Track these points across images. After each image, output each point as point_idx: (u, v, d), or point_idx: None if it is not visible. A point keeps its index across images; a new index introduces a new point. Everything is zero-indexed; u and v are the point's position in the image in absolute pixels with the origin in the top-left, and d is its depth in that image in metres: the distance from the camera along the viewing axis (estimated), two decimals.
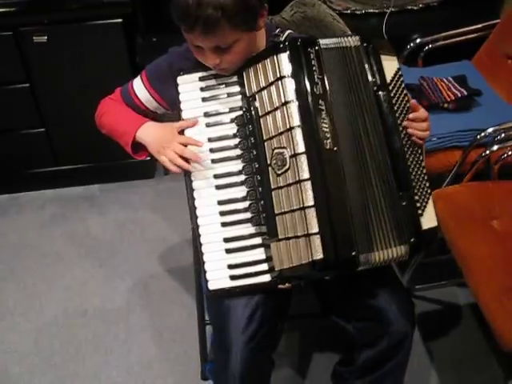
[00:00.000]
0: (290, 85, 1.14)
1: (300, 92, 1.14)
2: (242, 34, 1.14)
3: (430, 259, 1.86)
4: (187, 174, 1.26)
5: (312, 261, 1.11)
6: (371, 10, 2.17)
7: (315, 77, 1.15)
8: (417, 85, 1.88)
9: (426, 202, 1.22)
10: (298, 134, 1.12)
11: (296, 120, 1.13)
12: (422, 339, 1.81)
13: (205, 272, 1.24)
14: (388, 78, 1.22)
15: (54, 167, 2.28)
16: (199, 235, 1.25)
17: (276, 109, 1.16)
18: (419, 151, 1.24)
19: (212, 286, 1.24)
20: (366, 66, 1.20)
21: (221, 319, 1.29)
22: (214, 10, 1.07)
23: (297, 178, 1.12)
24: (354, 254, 1.12)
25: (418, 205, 1.20)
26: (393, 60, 1.26)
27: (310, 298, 1.44)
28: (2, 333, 1.87)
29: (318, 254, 1.10)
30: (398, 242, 1.16)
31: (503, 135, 1.66)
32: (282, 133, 1.15)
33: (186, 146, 1.24)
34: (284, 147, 1.15)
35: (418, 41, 2.05)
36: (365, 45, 1.20)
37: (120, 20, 1.90)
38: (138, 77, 1.36)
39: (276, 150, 1.16)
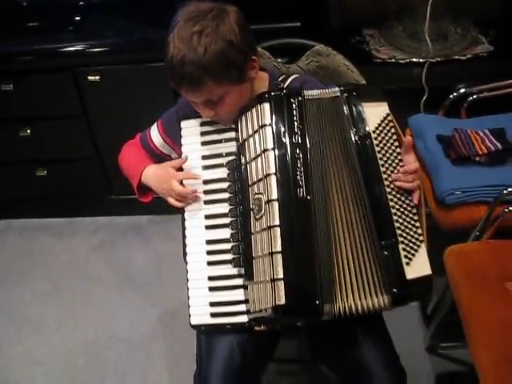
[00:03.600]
0: (269, 133, 1.18)
1: (278, 140, 1.17)
2: (229, 87, 1.20)
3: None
4: (182, 213, 1.34)
5: (275, 305, 1.12)
6: (415, 60, 2.16)
7: (295, 126, 1.19)
8: (448, 136, 1.83)
9: (416, 251, 1.19)
10: (273, 181, 1.15)
11: (272, 168, 1.16)
12: None
13: (188, 306, 1.29)
14: (373, 125, 1.22)
15: (107, 196, 2.45)
16: (187, 271, 1.31)
17: (258, 156, 1.20)
18: (408, 200, 1.21)
19: (194, 321, 1.29)
20: (346, 115, 1.21)
21: (202, 354, 1.33)
22: (196, 68, 1.14)
23: (269, 224, 1.15)
24: (317, 302, 1.12)
25: (405, 253, 1.17)
26: (381, 106, 1.26)
27: (302, 344, 1.44)
28: (36, 345, 2.03)
29: (281, 300, 1.11)
30: (379, 292, 1.15)
31: None
32: (260, 179, 1.19)
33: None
34: (261, 193, 1.19)
35: (463, 90, 2.00)
36: (345, 95, 1.22)
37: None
38: (155, 124, 1.47)
39: (256, 196, 1.20)
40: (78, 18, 2.15)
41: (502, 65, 2.14)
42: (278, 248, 1.13)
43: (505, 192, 1.61)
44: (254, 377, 1.36)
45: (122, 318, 2.09)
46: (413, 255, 1.19)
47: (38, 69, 2.07)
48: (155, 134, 1.46)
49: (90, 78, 2.04)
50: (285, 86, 1.36)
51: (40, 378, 1.92)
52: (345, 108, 1.21)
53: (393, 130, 1.25)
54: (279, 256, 1.13)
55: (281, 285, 1.11)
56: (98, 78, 2.03)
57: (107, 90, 2.09)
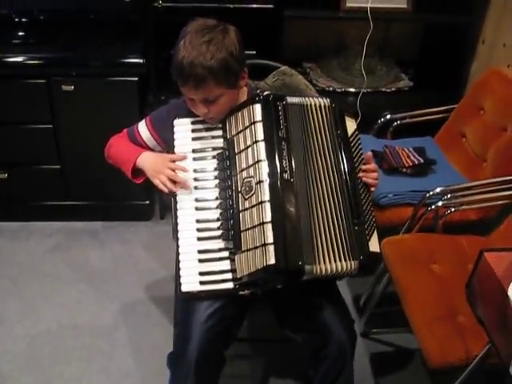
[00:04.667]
0: (260, 128, 1.45)
1: (267, 134, 1.44)
2: (225, 90, 1.46)
3: (389, 308, 2.10)
4: (174, 196, 1.55)
5: (266, 265, 1.35)
6: (350, 89, 2.56)
7: (281, 124, 1.46)
8: (381, 151, 2.19)
9: (372, 232, 1.50)
10: (263, 166, 1.42)
11: (262, 155, 1.42)
12: (373, 375, 2.03)
13: (179, 276, 1.49)
14: (349, 133, 1.55)
15: (63, 201, 2.58)
16: (178, 246, 1.51)
17: (248, 147, 1.46)
18: (369, 194, 1.55)
19: (184, 288, 1.48)
20: (333, 120, 1.52)
21: (186, 315, 1.53)
22: (202, 69, 1.40)
23: (259, 200, 1.40)
24: (300, 263, 1.38)
25: (366, 232, 1.47)
26: (353, 121, 1.59)
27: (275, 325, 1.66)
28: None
29: (271, 260, 1.35)
30: (350, 258, 1.43)
31: (449, 195, 1.96)
32: (251, 165, 1.44)
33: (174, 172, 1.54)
34: (252, 176, 1.44)
35: (388, 117, 2.39)
36: (333, 105, 1.53)
37: (136, 79, 2.27)
38: (143, 120, 1.68)
39: (246, 180, 1.46)
40: (56, 31, 2.34)
41: (420, 97, 2.60)
42: (268, 219, 1.38)
43: (427, 196, 1.97)
44: (229, 336, 1.58)
45: (84, 311, 2.22)
46: (371, 235, 1.50)
47: (12, 75, 2.22)
48: (143, 128, 1.67)
49: (64, 87, 2.21)
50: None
51: (6, 365, 1.99)
52: (331, 114, 1.52)
53: (359, 142, 1.58)
54: (269, 225, 1.38)
55: (271, 248, 1.36)
56: (72, 87, 2.21)
57: (79, 101, 2.27)
